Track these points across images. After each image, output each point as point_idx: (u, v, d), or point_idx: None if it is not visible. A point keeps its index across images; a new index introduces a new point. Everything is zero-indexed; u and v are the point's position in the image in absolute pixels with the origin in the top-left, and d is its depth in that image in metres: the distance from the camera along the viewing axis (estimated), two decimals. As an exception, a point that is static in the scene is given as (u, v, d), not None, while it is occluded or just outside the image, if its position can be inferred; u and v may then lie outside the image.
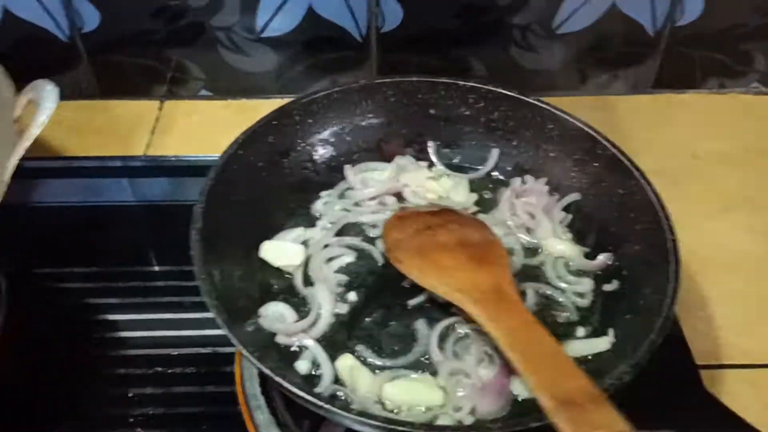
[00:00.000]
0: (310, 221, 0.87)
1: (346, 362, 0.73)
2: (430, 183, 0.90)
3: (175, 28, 1.10)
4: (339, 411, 0.62)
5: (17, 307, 0.89)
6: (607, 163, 0.83)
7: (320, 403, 0.62)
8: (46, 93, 0.77)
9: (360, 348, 0.74)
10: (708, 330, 0.87)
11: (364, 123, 0.91)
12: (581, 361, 0.73)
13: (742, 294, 0.91)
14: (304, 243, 0.84)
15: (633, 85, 1.16)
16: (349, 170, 0.90)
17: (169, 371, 0.85)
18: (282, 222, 0.86)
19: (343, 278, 0.81)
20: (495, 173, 0.91)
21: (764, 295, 0.91)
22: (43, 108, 0.76)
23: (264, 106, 1.12)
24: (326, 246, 0.83)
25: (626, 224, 0.80)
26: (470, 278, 0.74)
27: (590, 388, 0.60)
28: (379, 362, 0.73)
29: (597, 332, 0.75)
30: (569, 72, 1.15)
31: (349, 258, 0.83)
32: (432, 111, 0.92)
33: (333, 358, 0.74)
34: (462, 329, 0.75)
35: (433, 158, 0.92)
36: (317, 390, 0.71)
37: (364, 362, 0.73)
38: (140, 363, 0.86)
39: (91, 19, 1.09)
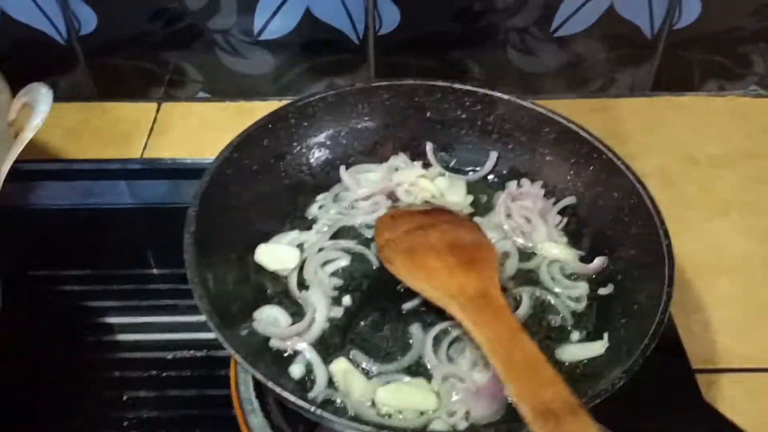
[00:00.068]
0: (306, 224, 0.86)
1: (340, 366, 0.73)
2: (423, 182, 0.90)
3: (173, 31, 1.10)
4: (331, 416, 0.62)
5: (14, 310, 0.88)
6: (602, 167, 0.83)
7: (312, 409, 0.62)
8: (41, 96, 0.77)
9: (354, 353, 0.74)
10: (704, 334, 0.87)
11: (360, 126, 0.91)
12: (575, 366, 0.72)
13: (739, 298, 0.91)
14: (299, 246, 0.84)
15: (631, 88, 1.16)
16: (343, 170, 0.90)
17: (164, 374, 0.85)
18: (277, 225, 0.86)
19: (338, 282, 0.80)
20: (491, 176, 0.91)
21: (761, 299, 0.90)
22: (38, 111, 0.76)
23: (261, 109, 1.12)
24: (321, 249, 0.83)
25: (621, 228, 0.80)
26: (458, 282, 0.74)
27: (570, 399, 0.60)
28: (373, 367, 0.73)
29: (592, 336, 0.75)
30: (567, 75, 1.14)
31: (344, 261, 0.82)
32: (428, 114, 0.92)
33: (327, 362, 0.73)
34: (456, 333, 0.74)
35: (431, 159, 0.92)
36: (311, 394, 0.71)
37: (359, 367, 0.73)
38: (135, 366, 0.86)
39: (88, 21, 1.09)
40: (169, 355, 0.86)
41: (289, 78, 1.15)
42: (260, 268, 0.82)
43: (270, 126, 0.87)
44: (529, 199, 0.86)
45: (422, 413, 0.70)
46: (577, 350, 0.74)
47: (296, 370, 0.73)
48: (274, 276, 0.82)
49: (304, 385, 0.72)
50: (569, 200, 0.85)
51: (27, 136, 0.75)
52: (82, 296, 0.94)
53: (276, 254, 0.83)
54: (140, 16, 1.09)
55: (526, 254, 0.83)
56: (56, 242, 0.99)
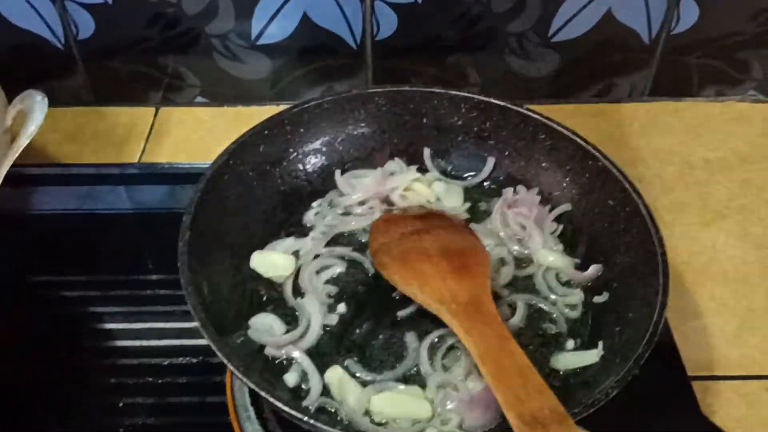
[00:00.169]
0: (302, 231, 0.86)
1: (334, 374, 0.73)
2: (418, 186, 0.90)
3: (171, 36, 1.10)
4: (324, 427, 0.62)
5: (11, 315, 0.89)
6: (597, 174, 0.83)
7: (305, 418, 0.62)
8: (36, 104, 0.77)
9: (349, 362, 0.74)
10: (701, 340, 0.87)
11: (356, 132, 0.91)
12: (570, 374, 0.72)
13: (736, 304, 0.90)
14: (295, 254, 0.84)
15: (629, 93, 1.16)
16: (338, 175, 0.90)
17: (160, 381, 0.85)
18: (273, 232, 0.86)
19: (333, 289, 0.80)
20: (488, 183, 0.91)
21: (757, 306, 0.90)
22: (32, 119, 0.76)
23: (259, 113, 1.12)
24: (317, 256, 0.83)
25: (616, 235, 0.79)
26: (449, 289, 0.74)
27: (558, 409, 0.60)
28: (368, 376, 0.73)
29: (586, 344, 0.75)
30: (565, 80, 1.14)
31: (339, 268, 0.82)
32: (425, 120, 0.92)
33: (322, 370, 0.73)
34: (451, 341, 0.74)
35: (428, 164, 0.92)
36: (305, 402, 0.71)
37: (353, 375, 0.73)
38: (132, 372, 0.86)
39: (86, 26, 1.09)
40: (166, 362, 0.86)
41: (286, 83, 1.15)
42: (255, 275, 0.82)
43: (266, 132, 0.87)
44: (525, 206, 0.86)
45: (416, 421, 0.70)
46: (572, 358, 0.74)
47: (291, 378, 0.73)
48: (270, 283, 0.82)
49: (298, 393, 0.72)
50: (565, 207, 0.85)
51: (22, 143, 0.75)
52: (79, 302, 0.94)
53: (271, 261, 0.83)
54: (138, 20, 1.09)
55: (521, 261, 0.83)
56: (53, 247, 0.99)
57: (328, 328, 0.77)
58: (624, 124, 1.13)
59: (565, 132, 0.85)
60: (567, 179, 0.86)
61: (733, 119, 1.13)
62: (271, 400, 0.63)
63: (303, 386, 0.73)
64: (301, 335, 0.76)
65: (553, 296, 0.80)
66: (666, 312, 0.69)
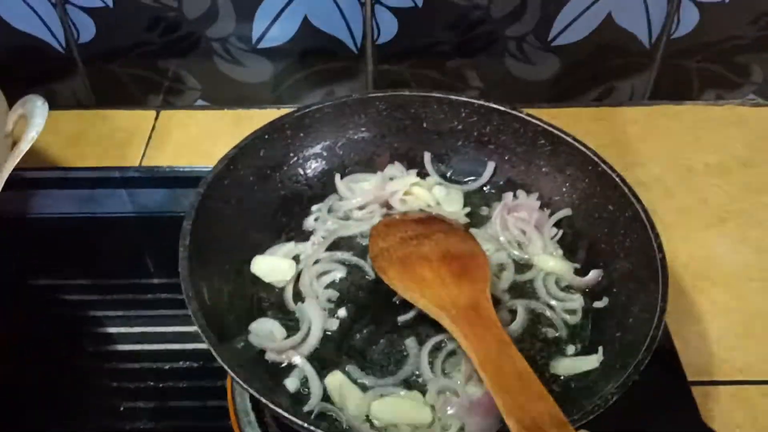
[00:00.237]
0: (302, 236, 0.86)
1: (335, 379, 0.73)
2: (418, 190, 0.90)
3: (171, 39, 1.10)
4: (324, 433, 0.62)
5: (12, 318, 0.89)
6: (597, 179, 0.83)
7: (305, 425, 0.62)
8: (37, 109, 0.77)
9: (350, 367, 0.74)
10: (700, 345, 0.87)
11: (356, 137, 0.91)
12: (570, 380, 0.72)
13: (736, 308, 0.90)
14: (295, 258, 0.84)
15: (629, 97, 1.16)
16: (338, 179, 0.90)
17: (161, 385, 0.85)
18: (273, 236, 0.86)
19: (333, 294, 0.80)
20: (487, 187, 0.91)
21: (757, 310, 0.90)
22: (33, 124, 0.76)
23: (259, 117, 1.14)
24: (317, 261, 0.83)
25: (616, 241, 0.80)
26: (449, 294, 0.74)
27: (558, 415, 0.60)
28: (368, 381, 0.73)
29: (587, 350, 0.75)
30: (565, 83, 1.14)
31: (339, 273, 0.83)
32: (425, 125, 0.92)
33: (322, 375, 0.74)
34: (451, 347, 0.75)
35: (428, 169, 0.92)
36: (306, 408, 0.71)
37: (354, 380, 0.73)
38: (133, 376, 0.86)
39: (87, 29, 1.09)
40: (167, 366, 0.86)
41: (287, 86, 1.16)
42: (256, 280, 0.82)
43: (266, 137, 0.87)
44: (525, 210, 0.86)
45: (417, 427, 0.70)
46: (572, 363, 0.74)
47: (291, 384, 0.73)
48: (270, 288, 0.82)
49: (299, 399, 0.72)
50: (565, 212, 0.85)
51: (23, 148, 0.75)
52: (80, 305, 0.94)
53: (272, 266, 0.83)
54: (139, 24, 1.09)
55: (521, 266, 0.83)
56: (54, 251, 0.99)
57: (328, 333, 0.77)
58: (624, 127, 1.14)
59: (565, 137, 0.85)
60: (567, 184, 0.86)
61: (732, 123, 1.13)
62: (272, 406, 0.63)
63: (303, 391, 0.73)
64: (302, 340, 0.76)
65: (553, 301, 0.80)
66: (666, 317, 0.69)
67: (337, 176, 0.90)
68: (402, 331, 0.77)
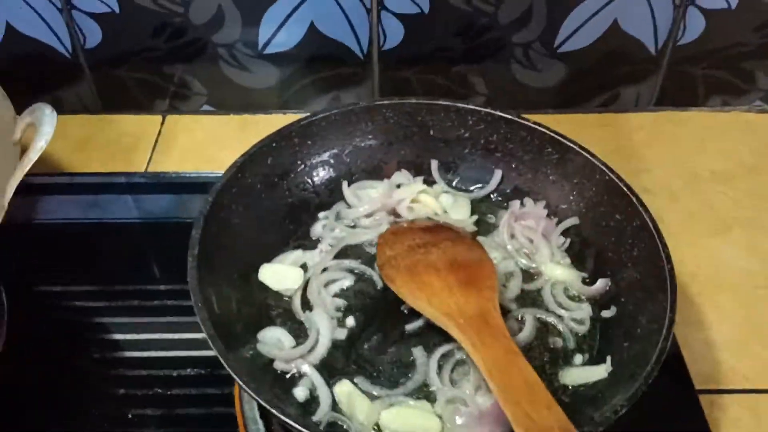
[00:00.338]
0: (310, 244, 0.86)
1: (344, 389, 0.73)
2: (425, 198, 0.90)
3: (177, 45, 1.11)
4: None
5: (19, 325, 0.89)
6: (604, 188, 0.83)
7: (314, 435, 0.62)
8: (45, 117, 0.77)
9: (359, 379, 0.74)
10: (707, 353, 0.87)
11: (363, 144, 0.91)
12: (579, 389, 0.73)
13: (742, 316, 0.90)
14: (303, 266, 0.84)
15: (635, 103, 1.16)
16: (345, 187, 0.90)
17: (169, 392, 0.85)
18: (281, 244, 0.86)
19: (342, 302, 0.80)
20: (495, 195, 0.91)
21: (764, 318, 0.90)
22: (42, 133, 0.76)
23: (265, 122, 1.14)
24: (325, 269, 0.83)
25: (623, 250, 0.80)
26: (457, 303, 0.74)
27: (566, 425, 0.61)
28: (377, 391, 0.73)
29: (595, 359, 0.75)
30: (571, 90, 1.14)
31: (347, 281, 0.83)
32: (431, 133, 0.92)
33: (331, 384, 0.74)
34: (460, 356, 0.75)
35: (435, 176, 0.92)
36: (315, 417, 0.71)
37: (363, 390, 0.73)
38: (141, 383, 0.86)
39: (93, 35, 1.09)
40: (174, 373, 0.86)
41: (293, 92, 1.16)
42: (264, 288, 0.82)
43: (274, 145, 0.87)
44: (532, 219, 0.86)
45: (425, 437, 0.70)
46: (581, 373, 0.74)
47: (300, 393, 0.73)
48: (278, 296, 0.82)
49: (308, 408, 0.72)
50: (572, 221, 0.85)
51: (32, 157, 0.75)
52: (87, 311, 0.94)
53: (279, 274, 0.83)
54: (145, 30, 1.09)
55: (529, 275, 0.83)
56: (60, 256, 0.99)
57: (336, 342, 0.77)
58: (630, 134, 1.14)
59: (572, 145, 0.85)
60: (574, 192, 0.86)
61: (739, 129, 1.13)
62: (282, 417, 0.63)
63: (312, 401, 0.73)
64: (310, 349, 0.76)
65: (560, 310, 0.79)
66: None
67: (345, 184, 0.90)
68: (410, 340, 0.77)
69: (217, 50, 1.11)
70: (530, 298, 0.81)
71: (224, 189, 0.81)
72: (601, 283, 0.80)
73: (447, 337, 0.74)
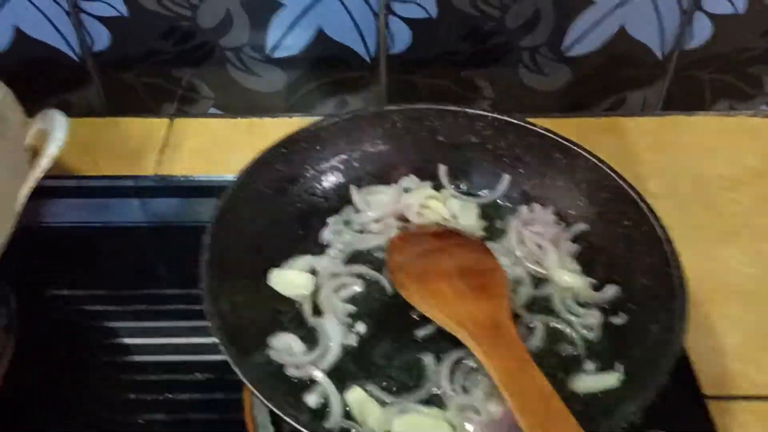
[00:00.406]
0: (319, 249, 0.87)
1: (355, 396, 0.73)
2: (433, 203, 0.90)
3: (185, 49, 1.11)
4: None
5: (25, 328, 0.89)
6: (614, 194, 0.83)
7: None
8: (57, 123, 0.77)
9: (370, 386, 0.74)
10: (715, 359, 0.87)
11: (372, 150, 0.92)
12: (590, 397, 0.73)
13: (750, 322, 0.90)
14: (313, 271, 0.84)
15: (641, 107, 1.16)
16: (354, 191, 0.91)
17: (179, 398, 0.85)
18: (290, 250, 0.86)
19: (352, 308, 0.81)
20: (503, 200, 0.91)
21: (773, 324, 0.90)
22: (54, 139, 0.76)
23: (272, 125, 1.14)
24: (335, 275, 0.83)
25: (633, 257, 0.80)
26: (468, 310, 0.74)
27: None
28: (388, 398, 0.73)
29: (605, 367, 0.75)
30: (577, 94, 1.15)
31: (357, 287, 0.83)
32: (440, 138, 0.92)
33: (343, 390, 0.74)
34: (471, 363, 0.74)
35: (444, 182, 0.92)
36: (327, 425, 0.71)
37: (374, 397, 0.73)
38: (150, 388, 0.86)
39: (101, 38, 1.10)
40: (184, 377, 0.87)
41: (300, 95, 1.16)
42: (274, 294, 0.82)
43: (283, 150, 0.87)
44: (541, 225, 0.86)
45: (437, 445, 0.70)
46: (592, 381, 0.74)
47: (312, 399, 0.73)
48: (288, 301, 0.82)
49: (320, 414, 0.72)
50: (581, 227, 0.85)
51: (45, 165, 0.75)
52: (96, 316, 0.94)
53: (289, 279, 0.83)
54: (153, 33, 1.09)
55: (538, 281, 0.83)
56: (67, 260, 0.99)
57: (347, 349, 0.77)
58: (636, 138, 1.14)
59: (581, 152, 0.85)
60: (583, 198, 0.86)
61: (746, 134, 1.13)
62: (295, 424, 0.64)
63: (324, 407, 0.73)
64: (321, 355, 0.76)
65: (570, 317, 0.79)
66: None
67: (354, 189, 0.90)
68: (421, 347, 0.77)
69: (225, 54, 1.12)
70: (540, 305, 0.81)
71: (234, 195, 0.82)
72: (611, 290, 0.80)
73: (458, 344, 0.74)
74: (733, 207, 1.04)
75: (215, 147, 1.15)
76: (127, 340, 0.92)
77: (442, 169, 0.92)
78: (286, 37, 1.10)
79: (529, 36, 1.09)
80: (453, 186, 0.92)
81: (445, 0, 1.05)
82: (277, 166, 0.87)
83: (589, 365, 0.76)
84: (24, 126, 0.82)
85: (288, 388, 0.74)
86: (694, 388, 0.84)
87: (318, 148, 0.90)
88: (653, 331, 0.73)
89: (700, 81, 1.14)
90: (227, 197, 0.81)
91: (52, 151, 0.75)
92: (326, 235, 0.88)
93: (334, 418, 0.72)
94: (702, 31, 1.08)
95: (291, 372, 0.75)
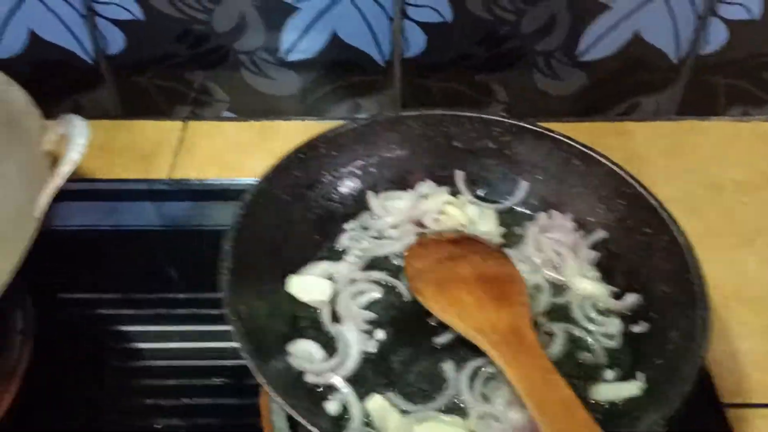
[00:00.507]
0: (336, 255, 0.87)
1: (375, 403, 0.73)
2: (451, 209, 0.90)
3: (200, 52, 1.11)
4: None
5: (46, 334, 0.89)
6: (633, 201, 0.83)
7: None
8: (77, 129, 0.77)
9: (390, 393, 0.74)
10: (734, 366, 0.87)
11: (389, 155, 0.92)
12: (612, 406, 0.73)
13: (766, 328, 0.90)
14: (331, 277, 0.84)
15: (655, 112, 1.16)
16: (371, 197, 0.90)
17: (196, 402, 0.85)
18: (308, 255, 0.86)
19: (371, 315, 0.80)
20: (521, 207, 0.91)
21: (789, 331, 0.90)
22: (75, 144, 0.76)
23: (285, 128, 1.14)
24: (353, 281, 0.83)
25: (653, 265, 0.79)
26: (488, 318, 0.74)
27: None
28: (408, 406, 0.73)
29: (626, 375, 0.75)
30: (591, 98, 1.15)
31: (376, 293, 0.82)
32: (457, 143, 0.92)
33: (362, 398, 0.74)
34: (491, 371, 0.74)
35: (461, 187, 0.92)
36: (348, 432, 0.71)
37: (394, 404, 0.73)
38: (167, 393, 0.86)
39: (116, 41, 1.09)
40: (201, 382, 0.87)
41: (314, 99, 1.16)
42: (292, 300, 0.82)
43: (301, 156, 0.87)
44: (560, 232, 0.86)
45: (458, 453, 0.70)
46: (612, 390, 0.74)
47: (332, 407, 0.73)
48: (307, 307, 0.82)
49: (340, 422, 0.72)
50: (600, 234, 0.85)
51: (66, 170, 0.75)
52: (109, 320, 0.94)
53: (307, 285, 0.83)
54: (168, 37, 1.09)
55: (558, 289, 0.83)
56: (80, 263, 0.99)
57: (366, 356, 0.77)
58: (650, 143, 1.14)
59: (600, 158, 0.85)
60: (602, 205, 0.86)
61: (760, 140, 1.13)
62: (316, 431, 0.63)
63: (344, 415, 0.73)
64: (340, 362, 0.76)
65: (590, 325, 0.79)
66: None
67: (371, 194, 0.90)
68: (440, 354, 0.77)
69: (239, 57, 1.12)
70: (559, 312, 0.81)
71: (254, 201, 0.81)
72: (630, 298, 0.80)
73: (477, 351, 0.74)
74: (746, 212, 1.04)
75: (228, 150, 1.15)
76: (142, 345, 0.92)
77: (459, 175, 0.92)
78: (300, 40, 1.10)
79: (544, 40, 1.09)
80: (470, 192, 0.92)
81: (460, 4, 1.05)
82: (295, 171, 0.87)
83: (610, 374, 0.76)
84: (42, 131, 0.82)
85: (307, 395, 0.74)
86: (712, 396, 0.83)
87: (335, 153, 0.90)
88: (674, 339, 0.73)
89: (714, 86, 1.13)
90: (247, 203, 0.81)
91: (73, 157, 0.75)
92: (344, 241, 0.88)
93: (355, 425, 0.72)
94: (717, 36, 1.08)
95: (310, 379, 0.75)
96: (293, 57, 1.11)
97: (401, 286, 0.83)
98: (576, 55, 1.10)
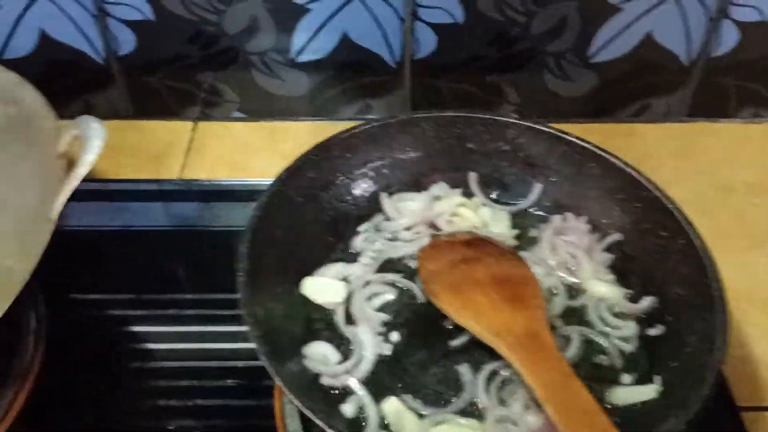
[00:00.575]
0: (350, 257, 0.86)
1: (391, 406, 0.73)
2: (464, 211, 0.90)
3: (210, 53, 1.11)
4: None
5: (58, 334, 0.89)
6: (648, 204, 0.82)
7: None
8: (93, 132, 0.77)
9: (406, 396, 0.74)
10: (748, 369, 0.87)
11: (402, 157, 0.91)
12: (628, 410, 0.72)
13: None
14: (345, 279, 0.84)
15: (666, 114, 1.16)
16: (385, 199, 0.90)
17: (209, 404, 0.85)
18: (322, 257, 0.86)
19: (385, 317, 0.80)
20: (535, 209, 0.90)
21: (802, 334, 0.90)
22: (91, 146, 0.76)
23: (295, 129, 1.14)
24: (367, 283, 0.83)
25: (669, 267, 0.79)
26: (504, 320, 0.74)
27: None
28: (424, 409, 0.73)
29: (643, 379, 0.74)
30: (602, 99, 1.15)
31: (390, 295, 0.82)
32: (470, 145, 0.91)
33: (378, 400, 0.73)
34: (507, 374, 0.74)
35: (474, 189, 0.92)
36: (364, 435, 0.71)
37: (410, 407, 0.73)
38: (180, 394, 0.86)
39: (127, 42, 1.09)
40: (214, 384, 0.87)
41: (324, 99, 1.16)
42: (307, 302, 0.82)
43: (316, 158, 0.87)
44: (574, 234, 0.86)
45: (475, 456, 0.70)
46: (629, 393, 0.73)
47: (348, 409, 0.73)
48: (321, 309, 0.82)
49: (356, 424, 0.72)
50: (616, 237, 0.85)
51: (82, 172, 0.75)
52: (121, 320, 0.94)
53: (322, 287, 0.83)
54: (179, 38, 1.09)
55: (573, 291, 0.83)
56: (91, 264, 0.99)
57: (382, 358, 0.77)
58: (660, 144, 1.14)
59: (614, 161, 0.85)
60: (617, 208, 0.85)
61: (771, 141, 1.13)
62: (335, 436, 0.63)
63: (361, 417, 0.73)
64: (355, 365, 0.76)
65: (606, 328, 0.79)
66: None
67: (385, 196, 0.90)
68: (455, 356, 0.77)
69: (250, 58, 1.12)
70: (575, 315, 0.81)
71: (269, 202, 0.81)
72: (646, 302, 0.80)
73: (493, 354, 0.74)
74: (758, 214, 1.04)
75: (239, 151, 1.15)
76: (154, 345, 0.92)
77: (473, 177, 0.92)
78: (311, 41, 1.10)
79: (555, 42, 1.09)
80: (483, 194, 0.91)
81: (471, 5, 1.05)
82: (309, 173, 0.87)
83: (626, 377, 0.75)
84: (57, 133, 0.82)
85: (324, 397, 0.74)
86: (728, 399, 0.83)
87: (348, 155, 0.89)
88: (690, 342, 0.72)
89: (725, 88, 1.13)
90: (261, 205, 0.80)
91: (89, 159, 0.75)
92: (358, 243, 0.87)
93: (371, 428, 0.72)
94: (729, 38, 1.08)
95: (326, 381, 0.75)
96: (304, 58, 1.11)
97: (415, 288, 0.83)
98: (587, 56, 1.10)
